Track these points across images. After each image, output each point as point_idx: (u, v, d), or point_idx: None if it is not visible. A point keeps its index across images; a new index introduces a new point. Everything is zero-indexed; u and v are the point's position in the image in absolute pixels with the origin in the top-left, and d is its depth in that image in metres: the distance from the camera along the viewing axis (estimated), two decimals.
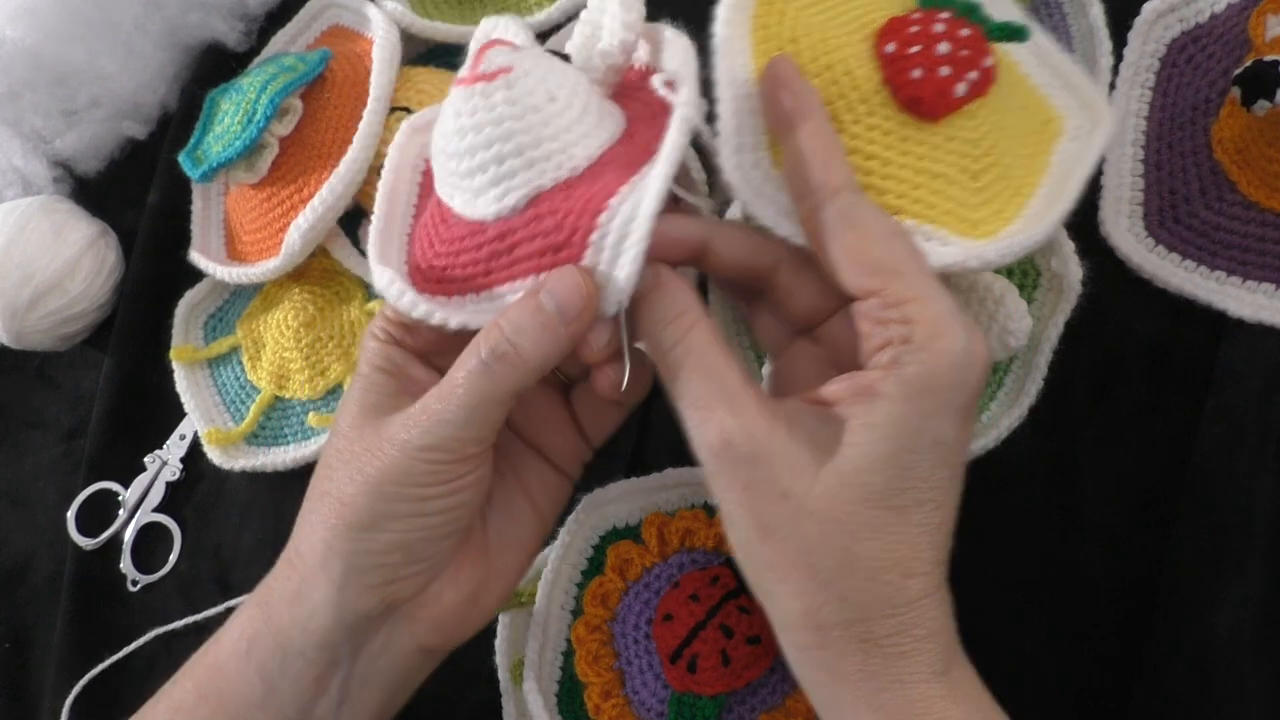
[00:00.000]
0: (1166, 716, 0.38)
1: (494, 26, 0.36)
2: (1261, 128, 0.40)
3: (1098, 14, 0.46)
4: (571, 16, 0.53)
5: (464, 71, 0.33)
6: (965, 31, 0.32)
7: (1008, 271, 0.43)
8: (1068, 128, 0.35)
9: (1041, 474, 0.42)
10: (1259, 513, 0.37)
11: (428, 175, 0.37)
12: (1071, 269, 0.42)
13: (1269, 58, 0.40)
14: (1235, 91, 0.41)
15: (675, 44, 0.33)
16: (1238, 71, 0.41)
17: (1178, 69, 0.45)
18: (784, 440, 0.28)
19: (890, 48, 0.32)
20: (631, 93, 0.34)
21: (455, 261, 0.32)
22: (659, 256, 0.30)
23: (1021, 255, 0.32)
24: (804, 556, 0.28)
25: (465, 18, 0.56)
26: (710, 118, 0.32)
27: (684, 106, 0.30)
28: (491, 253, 0.31)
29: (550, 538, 0.41)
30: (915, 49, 0.31)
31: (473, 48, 0.34)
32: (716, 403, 0.29)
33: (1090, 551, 0.40)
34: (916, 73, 0.31)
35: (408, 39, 0.53)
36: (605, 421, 0.37)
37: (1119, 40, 0.45)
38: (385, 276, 0.33)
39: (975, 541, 0.42)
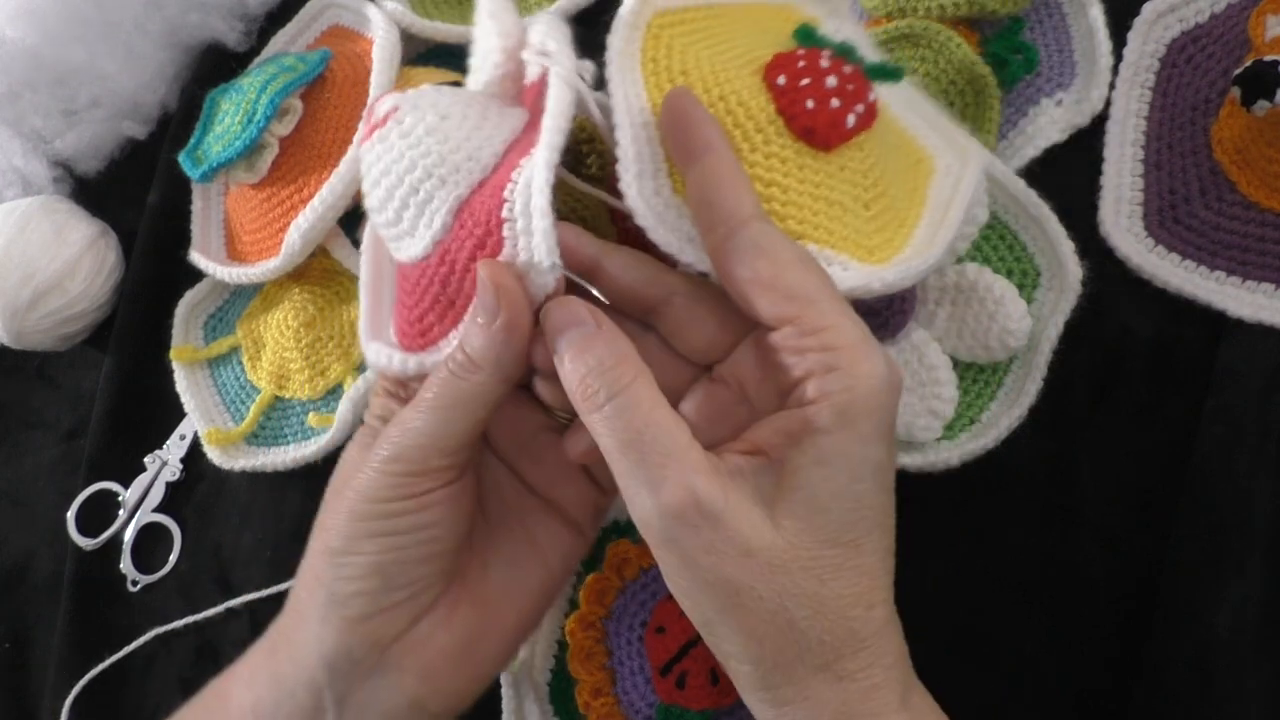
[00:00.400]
0: (1166, 716, 0.38)
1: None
2: (1261, 128, 0.40)
3: (1097, 14, 0.46)
4: (571, 16, 0.53)
5: (360, 131, 0.33)
6: (848, 68, 0.33)
7: (1007, 271, 0.43)
8: (939, 166, 0.37)
9: (1041, 474, 0.42)
10: (1259, 513, 0.37)
11: None
12: (1071, 269, 0.42)
13: (1269, 58, 0.40)
14: (1235, 91, 0.41)
15: (542, 20, 0.32)
16: (1238, 71, 0.41)
17: (1178, 69, 0.45)
18: (738, 496, 0.27)
19: (781, 80, 0.32)
20: (533, 94, 0.34)
21: (425, 309, 0.32)
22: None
23: (918, 279, 0.33)
24: (781, 612, 0.27)
25: (465, 18, 0.56)
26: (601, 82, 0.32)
27: (558, 64, 0.30)
28: (443, 280, 0.31)
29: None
30: (806, 81, 0.32)
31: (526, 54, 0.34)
32: (671, 461, 0.27)
33: (1090, 551, 0.40)
34: (810, 103, 0.32)
35: (408, 39, 0.53)
36: None
37: (1119, 40, 0.45)
38: (372, 350, 0.34)
39: (975, 541, 0.42)
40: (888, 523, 0.29)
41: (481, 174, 0.31)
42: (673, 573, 0.28)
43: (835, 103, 0.32)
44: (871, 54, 0.37)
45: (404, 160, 0.31)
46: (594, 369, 0.28)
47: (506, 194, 0.29)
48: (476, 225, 0.30)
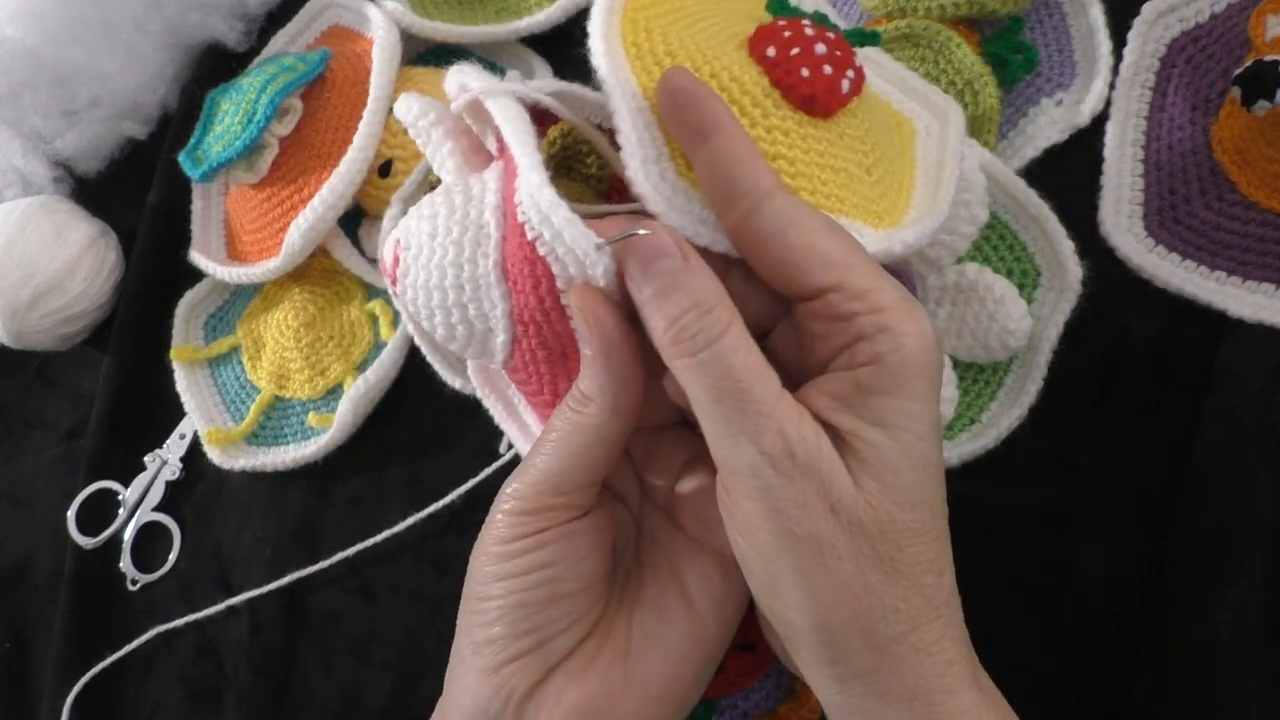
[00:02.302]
0: (1166, 716, 0.38)
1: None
2: (1261, 128, 0.40)
3: (1097, 14, 0.46)
4: (571, 16, 0.53)
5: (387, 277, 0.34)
6: (831, 35, 0.33)
7: (1008, 271, 0.43)
8: (918, 128, 0.37)
9: (1041, 474, 0.42)
10: (1259, 513, 0.37)
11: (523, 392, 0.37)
12: (1071, 269, 0.42)
13: (1269, 58, 0.40)
14: (1235, 91, 0.41)
15: (451, 72, 0.33)
16: (1238, 71, 0.41)
17: (1178, 69, 0.45)
18: (830, 450, 0.26)
19: (771, 51, 0.32)
20: (501, 148, 0.34)
21: (550, 381, 0.32)
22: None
23: (933, 238, 0.33)
24: (858, 575, 0.26)
25: (465, 18, 0.56)
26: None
27: (489, 95, 0.30)
28: (540, 342, 0.31)
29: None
30: (796, 51, 0.32)
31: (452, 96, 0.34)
32: (768, 409, 0.26)
33: (1090, 551, 0.40)
34: (805, 72, 0.31)
35: (408, 39, 0.53)
36: None
37: (1119, 40, 0.45)
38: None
39: (975, 541, 0.42)
40: (944, 486, 0.28)
41: (498, 232, 0.30)
42: (756, 526, 0.27)
43: (828, 69, 0.32)
44: (839, 21, 0.36)
45: (433, 274, 0.31)
46: (688, 310, 0.27)
47: (520, 217, 0.29)
48: (521, 266, 0.29)
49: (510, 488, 0.30)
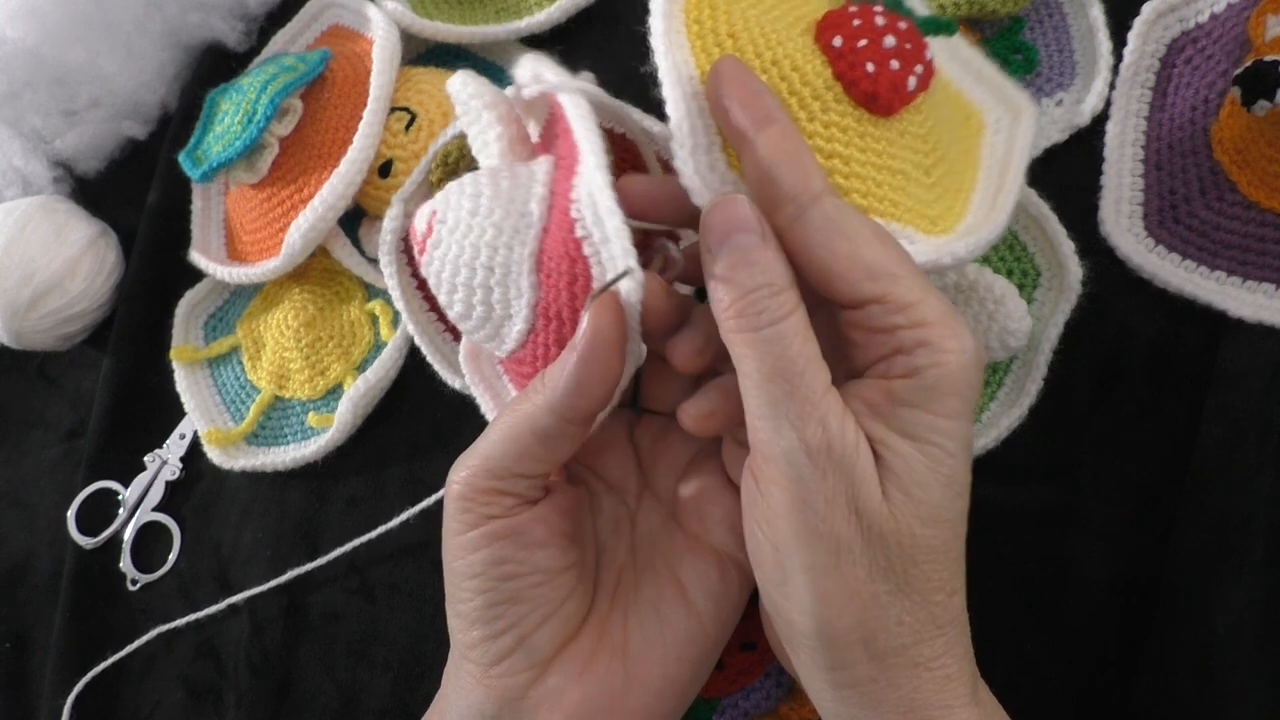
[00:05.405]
0: (1166, 716, 0.38)
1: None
2: (1261, 128, 0.40)
3: (1098, 14, 0.46)
4: (571, 16, 0.53)
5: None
6: (903, 25, 0.31)
7: (1008, 271, 0.43)
8: (988, 121, 0.35)
9: (1041, 474, 0.42)
10: (1259, 513, 0.37)
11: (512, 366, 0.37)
12: (1071, 269, 0.42)
13: (1269, 58, 0.40)
14: (1235, 91, 0.41)
15: (525, 59, 0.32)
16: (1238, 71, 0.41)
17: (1178, 69, 0.45)
18: (867, 453, 0.26)
19: (837, 41, 0.30)
20: (547, 139, 0.33)
21: None
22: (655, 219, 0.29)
23: (986, 249, 0.31)
24: (869, 583, 0.26)
25: (465, 18, 0.56)
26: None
27: (565, 90, 0.30)
28: (557, 339, 0.31)
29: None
30: (863, 43, 0.30)
31: (523, 81, 0.33)
32: (815, 398, 0.26)
33: (1090, 551, 0.40)
34: (870, 66, 0.30)
35: (408, 39, 0.53)
36: None
37: (1119, 40, 0.45)
38: None
39: (975, 541, 0.42)
40: (967, 506, 0.28)
41: (540, 223, 0.30)
42: (779, 515, 0.26)
43: (895, 64, 0.30)
44: (918, 4, 0.34)
45: (465, 251, 0.31)
46: (761, 287, 0.26)
47: (574, 213, 0.28)
48: (560, 262, 0.29)
49: (457, 473, 0.30)
